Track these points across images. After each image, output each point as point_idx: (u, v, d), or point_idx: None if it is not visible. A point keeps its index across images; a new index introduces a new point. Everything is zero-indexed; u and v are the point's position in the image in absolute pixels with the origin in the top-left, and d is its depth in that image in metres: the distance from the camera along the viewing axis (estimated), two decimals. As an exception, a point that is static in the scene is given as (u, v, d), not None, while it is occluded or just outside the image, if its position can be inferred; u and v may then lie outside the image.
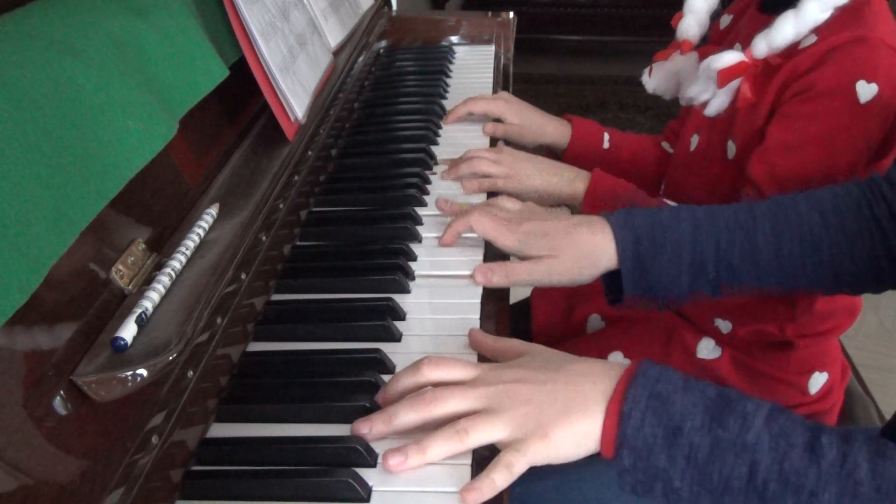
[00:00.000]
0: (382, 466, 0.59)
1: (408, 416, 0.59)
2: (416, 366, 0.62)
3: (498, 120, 1.16)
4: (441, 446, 0.57)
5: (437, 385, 0.61)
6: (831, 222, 0.75)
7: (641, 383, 0.57)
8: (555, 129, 1.16)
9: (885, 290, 0.78)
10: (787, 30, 0.85)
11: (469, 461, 0.59)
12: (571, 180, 0.98)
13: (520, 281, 0.79)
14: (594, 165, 1.13)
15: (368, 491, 0.57)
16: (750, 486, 0.53)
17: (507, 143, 1.14)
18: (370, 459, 0.59)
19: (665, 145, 1.18)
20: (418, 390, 0.61)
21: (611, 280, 0.79)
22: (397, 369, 0.69)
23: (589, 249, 0.77)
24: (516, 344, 0.67)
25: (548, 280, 0.78)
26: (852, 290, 0.82)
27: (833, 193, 0.77)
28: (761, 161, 0.87)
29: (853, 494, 0.51)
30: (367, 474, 0.58)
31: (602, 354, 0.99)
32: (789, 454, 0.53)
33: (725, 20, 1.05)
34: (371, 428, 0.60)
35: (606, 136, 1.16)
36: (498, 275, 0.79)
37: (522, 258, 0.79)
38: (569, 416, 0.57)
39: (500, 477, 0.56)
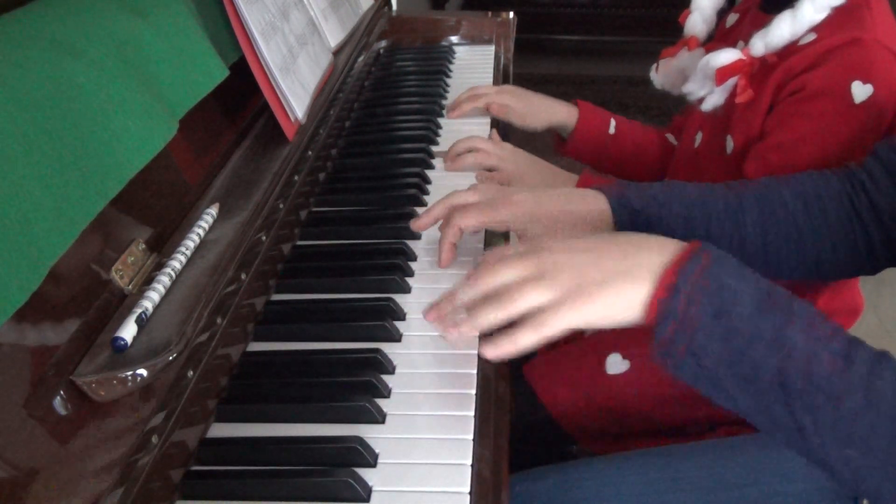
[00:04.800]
0: (381, 467, 0.59)
1: (466, 292, 0.62)
2: (483, 261, 0.64)
3: None
4: (489, 313, 0.60)
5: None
6: (814, 214, 0.77)
7: (699, 261, 0.58)
8: (563, 111, 1.18)
9: (861, 275, 0.81)
10: (783, 29, 0.86)
11: (470, 461, 0.59)
12: (565, 182, 1.00)
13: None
14: (599, 149, 1.17)
15: (368, 491, 0.57)
16: (777, 380, 0.54)
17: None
18: (370, 459, 0.59)
19: (670, 137, 1.20)
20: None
21: None
22: (397, 369, 0.69)
23: (584, 217, 0.76)
24: None
25: None
26: (832, 277, 0.84)
27: (816, 185, 0.78)
28: (756, 157, 0.88)
29: (875, 408, 0.52)
30: (367, 474, 0.58)
31: (600, 356, 0.99)
32: (821, 358, 0.54)
33: (732, 19, 1.06)
34: (439, 310, 0.64)
35: (613, 123, 1.18)
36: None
37: (519, 235, 0.78)
38: (617, 281, 0.59)
39: (526, 336, 0.59)
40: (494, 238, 0.86)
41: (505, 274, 0.61)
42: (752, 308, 0.56)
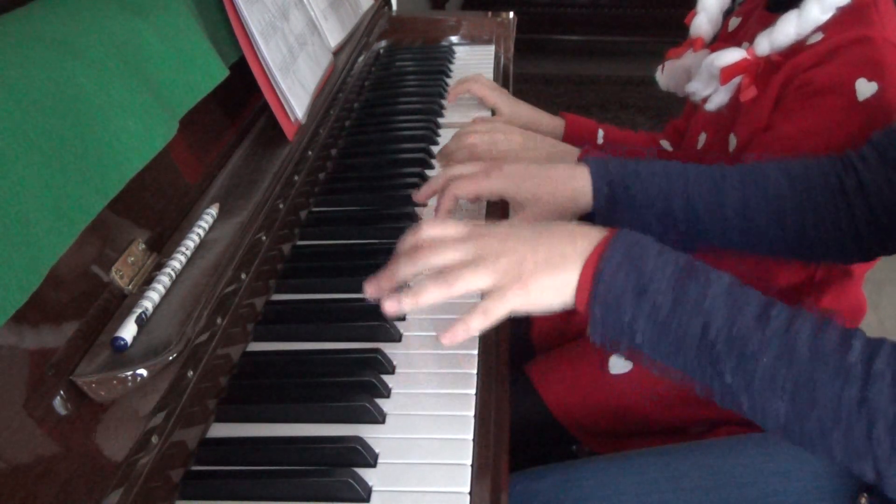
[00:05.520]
0: (381, 467, 0.59)
1: (406, 267, 0.64)
2: (416, 225, 0.67)
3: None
4: (431, 291, 0.62)
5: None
6: (798, 188, 0.78)
7: (618, 246, 0.61)
8: (549, 124, 1.18)
9: (850, 262, 0.82)
10: (789, 29, 0.86)
11: (470, 461, 0.59)
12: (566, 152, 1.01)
13: None
14: None
15: (368, 491, 0.57)
16: (701, 344, 0.57)
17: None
18: (370, 459, 0.59)
19: (665, 143, 1.19)
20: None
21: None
22: (397, 369, 0.69)
23: (566, 186, 0.80)
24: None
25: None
26: (816, 257, 0.85)
27: (804, 164, 0.79)
28: (759, 146, 0.88)
29: (789, 359, 0.55)
30: (367, 474, 0.58)
31: (603, 356, 0.99)
32: (739, 319, 0.56)
33: (734, 22, 1.06)
34: (378, 283, 0.65)
35: (601, 133, 1.18)
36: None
37: (513, 204, 0.81)
38: (548, 269, 0.61)
39: (476, 321, 0.61)
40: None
41: (446, 255, 0.64)
42: (672, 281, 0.58)
